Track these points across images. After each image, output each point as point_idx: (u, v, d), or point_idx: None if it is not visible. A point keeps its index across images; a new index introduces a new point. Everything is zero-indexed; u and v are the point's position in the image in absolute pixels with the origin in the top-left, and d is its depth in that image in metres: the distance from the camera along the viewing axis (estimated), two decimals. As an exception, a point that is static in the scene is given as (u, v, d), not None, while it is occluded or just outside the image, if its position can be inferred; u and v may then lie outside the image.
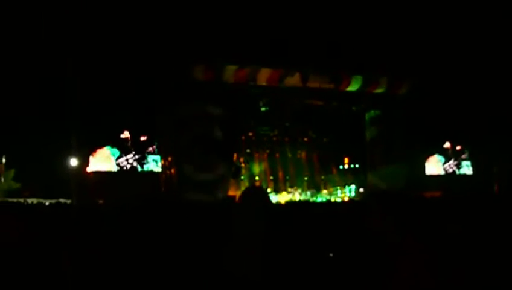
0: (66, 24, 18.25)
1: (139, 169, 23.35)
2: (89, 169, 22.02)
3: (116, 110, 21.95)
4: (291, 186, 24.78)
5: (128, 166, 23.17)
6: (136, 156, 23.30)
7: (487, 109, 23.33)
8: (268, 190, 23.84)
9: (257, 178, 24.67)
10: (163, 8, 19.82)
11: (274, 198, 23.25)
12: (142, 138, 23.26)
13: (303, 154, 25.94)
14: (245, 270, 2.62)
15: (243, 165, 24.43)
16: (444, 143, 27.75)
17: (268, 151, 25.37)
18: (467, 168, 28.02)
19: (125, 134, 23.21)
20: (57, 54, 18.52)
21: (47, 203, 12.42)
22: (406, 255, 3.64)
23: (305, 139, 25.89)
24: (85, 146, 21.17)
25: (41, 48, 19.21)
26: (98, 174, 22.18)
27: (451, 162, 27.90)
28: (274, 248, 2.92)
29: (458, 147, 27.64)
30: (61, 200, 14.37)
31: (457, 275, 3.81)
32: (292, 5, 20.54)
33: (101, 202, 15.99)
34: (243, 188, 22.73)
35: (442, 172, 27.58)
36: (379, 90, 24.26)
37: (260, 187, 3.27)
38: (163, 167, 22.93)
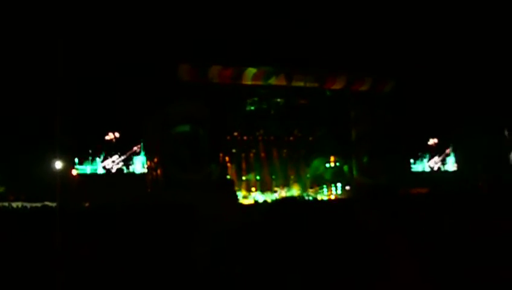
0: (53, 28, 18.11)
1: (125, 170, 23.28)
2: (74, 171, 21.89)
3: (101, 112, 21.83)
4: (277, 185, 24.75)
5: (115, 168, 23.11)
6: (122, 158, 23.23)
7: (472, 106, 23.47)
8: (253, 189, 23.98)
9: (244, 178, 24.62)
10: (148, 9, 19.74)
11: (261, 197, 23.29)
12: (127, 139, 23.18)
13: (289, 153, 25.89)
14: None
15: (228, 165, 24.35)
16: (428, 140, 27.96)
17: (254, 150, 25.29)
18: (451, 165, 28.25)
19: (110, 135, 23.12)
20: (42, 56, 18.36)
21: (31, 207, 12.32)
22: (393, 251, 3.65)
23: (291, 138, 25.85)
24: (70, 149, 21.01)
25: (27, 51, 19.06)
26: (83, 176, 22.05)
27: (436, 158, 28.13)
28: (262, 243, 2.88)
29: (440, 143, 27.85)
30: (47, 203, 14.24)
31: (444, 269, 3.83)
32: (276, 5, 20.55)
33: (86, 204, 15.89)
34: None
35: (427, 168, 27.84)
36: (364, 88, 24.36)
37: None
38: (149, 167, 22.83)
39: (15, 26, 18.57)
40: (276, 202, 16.36)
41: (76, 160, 22.32)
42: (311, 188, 25.23)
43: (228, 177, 23.71)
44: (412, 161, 27.36)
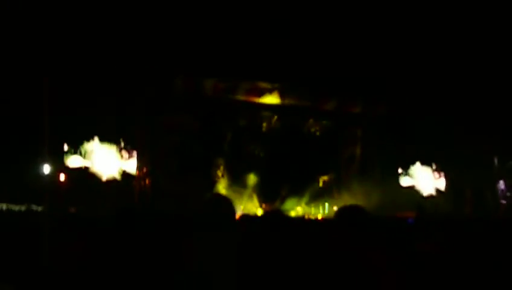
0: (46, 28, 18.12)
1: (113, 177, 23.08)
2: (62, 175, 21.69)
3: (94, 117, 21.74)
4: (265, 202, 24.61)
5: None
6: (111, 165, 23.04)
7: (463, 131, 23.48)
8: (241, 206, 23.79)
9: (232, 192, 24.49)
10: (145, 20, 19.79)
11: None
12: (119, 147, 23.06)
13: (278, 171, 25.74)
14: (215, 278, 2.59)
15: (218, 178, 24.27)
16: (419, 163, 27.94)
17: (244, 165, 25.18)
18: (441, 189, 28.20)
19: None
20: (34, 56, 18.31)
21: (17, 210, 12.25)
22: (374, 273, 3.66)
23: (281, 155, 25.78)
24: (58, 151, 20.90)
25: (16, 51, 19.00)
26: (71, 181, 21.86)
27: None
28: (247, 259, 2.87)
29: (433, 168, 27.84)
30: (33, 206, 14.17)
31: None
32: (273, 21, 20.69)
33: (73, 210, 15.81)
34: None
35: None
36: (356, 110, 24.51)
37: (224, 196, 3.10)
38: (137, 177, 22.72)
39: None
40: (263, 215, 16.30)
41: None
42: (299, 206, 25.14)
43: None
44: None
